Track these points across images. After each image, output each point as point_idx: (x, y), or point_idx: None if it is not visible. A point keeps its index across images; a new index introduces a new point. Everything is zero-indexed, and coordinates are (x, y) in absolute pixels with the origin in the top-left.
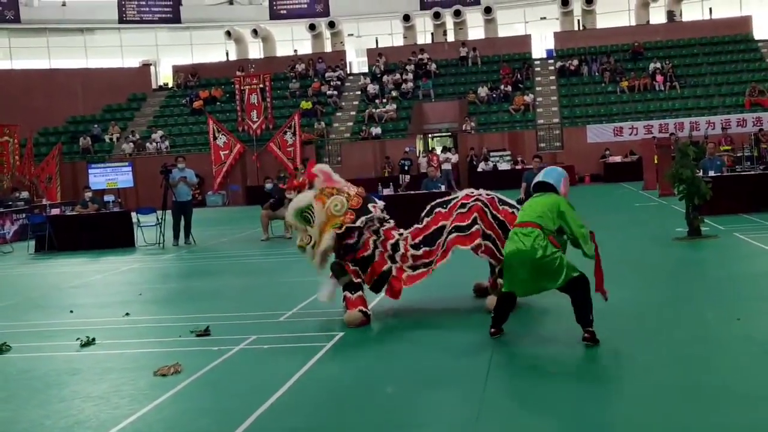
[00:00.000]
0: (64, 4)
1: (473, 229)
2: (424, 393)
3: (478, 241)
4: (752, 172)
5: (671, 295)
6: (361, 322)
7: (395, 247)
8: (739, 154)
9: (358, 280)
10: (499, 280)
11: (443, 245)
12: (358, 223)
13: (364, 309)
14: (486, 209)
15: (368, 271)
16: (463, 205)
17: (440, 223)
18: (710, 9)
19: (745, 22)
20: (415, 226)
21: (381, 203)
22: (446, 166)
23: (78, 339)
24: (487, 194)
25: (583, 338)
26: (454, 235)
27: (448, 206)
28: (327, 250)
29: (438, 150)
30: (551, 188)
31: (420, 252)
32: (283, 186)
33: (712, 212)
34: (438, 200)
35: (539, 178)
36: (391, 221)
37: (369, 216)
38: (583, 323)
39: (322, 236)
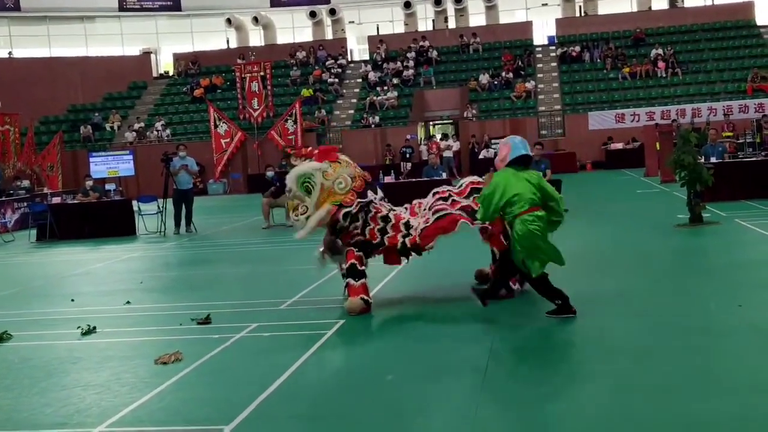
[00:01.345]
0: None
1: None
2: (424, 381)
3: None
4: (754, 159)
5: (672, 282)
6: (361, 310)
7: (407, 225)
8: (741, 141)
9: (362, 267)
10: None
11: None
12: (354, 208)
13: (365, 297)
14: None
15: (384, 253)
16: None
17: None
18: None
19: (747, 7)
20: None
21: (380, 194)
22: (447, 154)
23: (79, 327)
24: None
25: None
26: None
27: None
28: (320, 223)
29: (438, 137)
30: (529, 160)
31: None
32: (290, 151)
33: (713, 199)
34: (443, 187)
35: (522, 150)
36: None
37: (366, 201)
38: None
39: (317, 209)
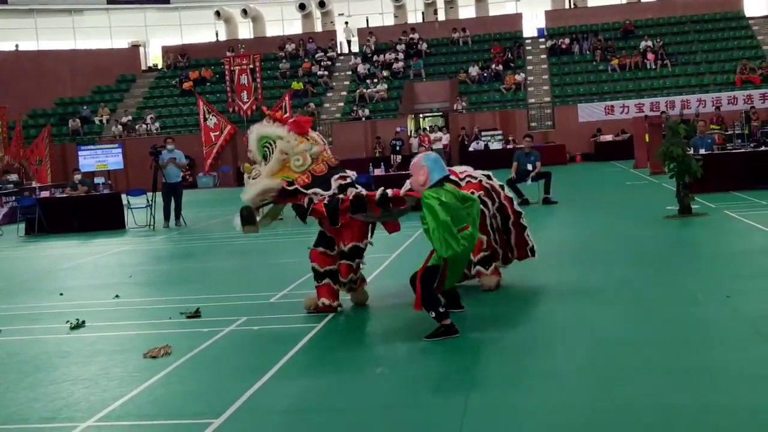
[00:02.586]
0: None
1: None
2: (413, 371)
3: None
4: (743, 150)
5: (661, 273)
6: (317, 309)
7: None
8: (729, 132)
9: (325, 267)
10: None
11: None
12: (308, 194)
13: (326, 301)
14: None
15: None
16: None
17: None
18: None
19: None
20: None
21: (353, 173)
22: (437, 146)
23: (68, 321)
24: (488, 178)
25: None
26: None
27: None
28: (263, 192)
29: (423, 129)
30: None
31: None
32: (266, 110)
33: (702, 190)
34: None
35: (443, 172)
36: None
37: (322, 193)
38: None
39: (268, 178)
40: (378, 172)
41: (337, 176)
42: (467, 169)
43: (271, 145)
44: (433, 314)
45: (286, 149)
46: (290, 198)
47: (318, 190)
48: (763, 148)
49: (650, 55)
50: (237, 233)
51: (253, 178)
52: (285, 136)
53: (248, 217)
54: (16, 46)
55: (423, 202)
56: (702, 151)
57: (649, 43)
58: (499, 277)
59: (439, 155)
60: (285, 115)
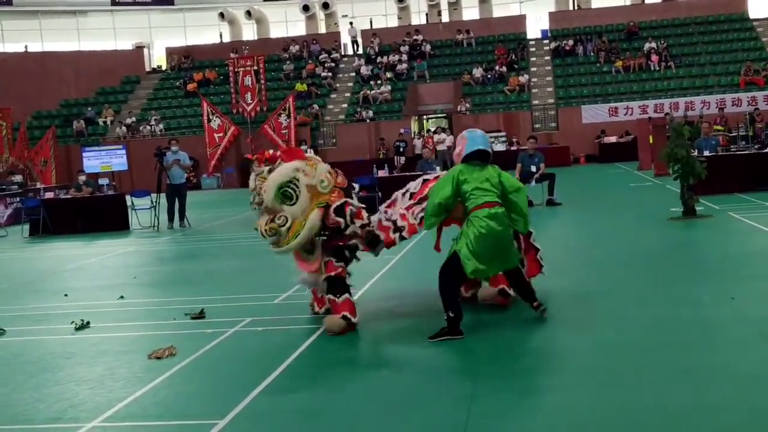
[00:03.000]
0: None
1: None
2: (419, 376)
3: None
4: (747, 152)
5: (665, 275)
6: (342, 330)
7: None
8: (734, 134)
9: (345, 280)
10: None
11: None
12: (348, 213)
13: (348, 315)
14: None
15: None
16: None
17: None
18: None
19: (740, 1)
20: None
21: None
22: (441, 148)
23: (72, 322)
24: None
25: (539, 309)
26: None
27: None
28: (312, 232)
29: (432, 130)
30: (487, 157)
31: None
32: (250, 156)
33: (707, 192)
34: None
35: (478, 145)
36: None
37: (357, 205)
38: (533, 297)
39: (307, 216)
40: (381, 173)
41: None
42: None
43: (291, 184)
44: (446, 312)
45: (309, 177)
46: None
47: (353, 201)
48: (767, 149)
49: (654, 57)
50: (239, 234)
51: (281, 226)
52: (299, 166)
53: (375, 240)
54: (26, 47)
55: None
56: (706, 153)
57: (653, 44)
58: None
59: (484, 133)
60: (270, 152)
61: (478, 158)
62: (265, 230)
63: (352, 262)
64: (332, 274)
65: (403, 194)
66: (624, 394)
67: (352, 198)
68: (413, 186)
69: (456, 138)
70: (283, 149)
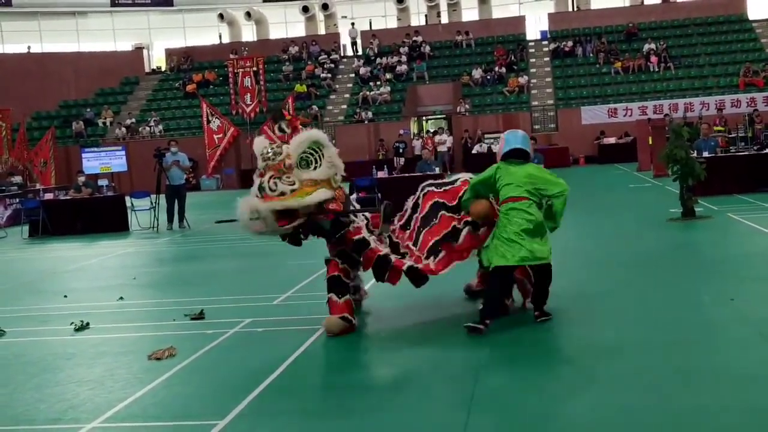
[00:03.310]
0: None
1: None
2: (416, 376)
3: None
4: (746, 153)
5: (664, 275)
6: (342, 330)
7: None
8: (733, 135)
9: (348, 280)
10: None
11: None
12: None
13: (348, 316)
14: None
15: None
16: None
17: (434, 200)
18: None
19: (740, 2)
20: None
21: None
22: (442, 149)
23: (72, 323)
24: None
25: (539, 318)
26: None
27: (443, 188)
28: (312, 203)
29: (432, 131)
30: (526, 156)
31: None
32: (286, 114)
33: (706, 193)
34: (430, 181)
35: (516, 144)
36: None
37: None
38: (541, 305)
39: (317, 188)
40: (381, 174)
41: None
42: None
43: (318, 151)
44: (483, 320)
45: (335, 160)
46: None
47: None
48: (766, 150)
49: (653, 58)
50: (239, 235)
51: (288, 185)
52: (332, 147)
53: (390, 213)
54: (28, 48)
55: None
56: (705, 154)
57: (653, 45)
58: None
59: (525, 134)
60: (299, 123)
61: (515, 157)
62: (269, 183)
63: (359, 265)
64: (335, 273)
65: (412, 209)
66: (623, 394)
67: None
68: (417, 196)
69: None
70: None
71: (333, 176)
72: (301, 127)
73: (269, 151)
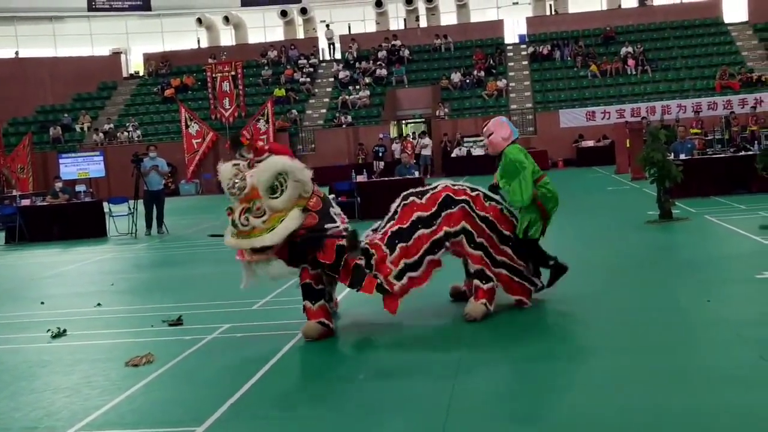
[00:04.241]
0: None
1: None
2: (396, 381)
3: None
4: (722, 155)
5: (643, 278)
6: (320, 335)
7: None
8: (710, 137)
9: (320, 286)
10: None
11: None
12: (336, 220)
13: (325, 321)
14: (472, 213)
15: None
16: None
17: (416, 215)
18: None
19: (715, 5)
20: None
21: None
22: (426, 152)
23: (49, 330)
24: (472, 190)
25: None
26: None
27: (425, 197)
28: (288, 230)
29: (412, 135)
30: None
31: (396, 253)
32: (244, 140)
33: (683, 195)
34: (412, 190)
35: (517, 132)
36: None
37: (334, 225)
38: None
39: (287, 214)
40: (360, 178)
41: (338, 214)
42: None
43: (283, 177)
44: (548, 266)
45: (300, 177)
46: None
47: (333, 209)
48: (742, 153)
49: (631, 61)
50: (218, 240)
51: (258, 218)
52: (297, 164)
53: (355, 241)
54: (16, 53)
55: (508, 157)
56: (682, 157)
57: (630, 49)
58: (488, 309)
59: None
60: (261, 144)
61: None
62: (240, 219)
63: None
64: (307, 281)
65: (391, 217)
66: (603, 396)
67: (329, 219)
68: (398, 204)
69: (490, 122)
70: (272, 144)
71: (302, 191)
72: (263, 146)
73: (234, 186)
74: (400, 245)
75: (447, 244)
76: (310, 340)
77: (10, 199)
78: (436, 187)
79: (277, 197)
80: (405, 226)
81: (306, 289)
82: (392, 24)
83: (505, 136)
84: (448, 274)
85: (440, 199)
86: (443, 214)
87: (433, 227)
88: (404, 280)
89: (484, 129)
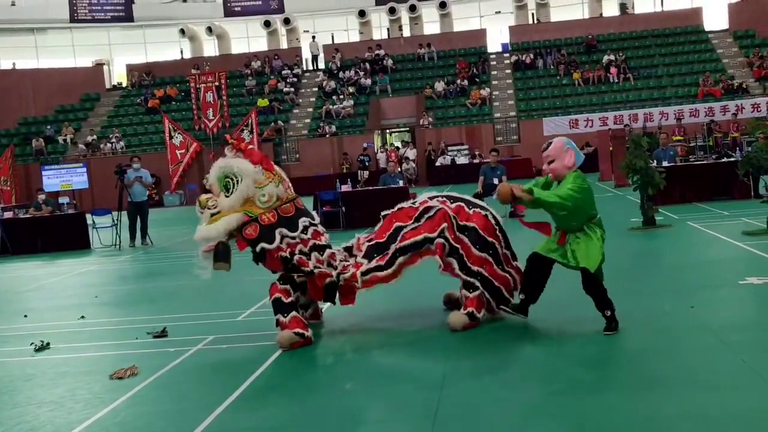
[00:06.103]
0: (13, 4)
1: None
2: (383, 390)
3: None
4: (704, 162)
5: (627, 284)
6: (293, 345)
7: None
8: (692, 144)
9: (290, 299)
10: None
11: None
12: (276, 239)
13: (300, 330)
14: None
15: (310, 287)
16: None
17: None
18: (662, 1)
19: (696, 13)
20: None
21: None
22: (411, 163)
23: (32, 344)
24: (452, 201)
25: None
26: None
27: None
28: (222, 231)
29: (396, 144)
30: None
31: (373, 264)
32: (229, 138)
33: (665, 202)
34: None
35: (583, 157)
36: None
37: (292, 236)
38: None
39: (228, 214)
40: (345, 188)
41: (310, 225)
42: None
43: (234, 178)
44: (603, 312)
45: (253, 183)
46: (265, 240)
47: (285, 230)
48: (724, 159)
49: (613, 69)
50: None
51: (210, 209)
52: (253, 173)
53: (224, 253)
54: (13, 64)
55: (576, 181)
56: (665, 164)
57: (612, 57)
58: (474, 319)
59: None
60: (246, 144)
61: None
62: (201, 201)
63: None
64: (276, 295)
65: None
66: (589, 405)
67: (292, 229)
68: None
69: (551, 146)
70: (246, 149)
71: (253, 199)
72: (246, 146)
73: (206, 179)
74: (377, 258)
75: (422, 249)
76: (285, 350)
77: None
78: (415, 203)
79: (227, 197)
80: (383, 240)
81: (276, 304)
82: (375, 33)
83: (569, 165)
84: (444, 281)
85: (421, 209)
86: (423, 219)
87: (415, 229)
88: (369, 276)
89: (544, 154)
